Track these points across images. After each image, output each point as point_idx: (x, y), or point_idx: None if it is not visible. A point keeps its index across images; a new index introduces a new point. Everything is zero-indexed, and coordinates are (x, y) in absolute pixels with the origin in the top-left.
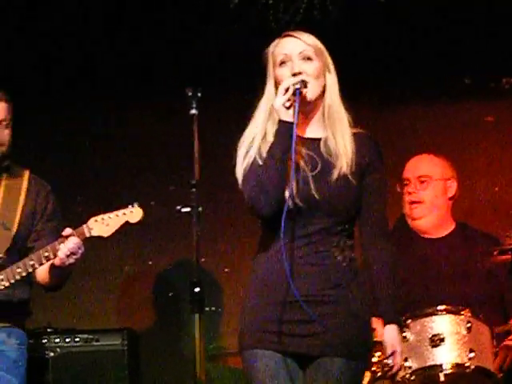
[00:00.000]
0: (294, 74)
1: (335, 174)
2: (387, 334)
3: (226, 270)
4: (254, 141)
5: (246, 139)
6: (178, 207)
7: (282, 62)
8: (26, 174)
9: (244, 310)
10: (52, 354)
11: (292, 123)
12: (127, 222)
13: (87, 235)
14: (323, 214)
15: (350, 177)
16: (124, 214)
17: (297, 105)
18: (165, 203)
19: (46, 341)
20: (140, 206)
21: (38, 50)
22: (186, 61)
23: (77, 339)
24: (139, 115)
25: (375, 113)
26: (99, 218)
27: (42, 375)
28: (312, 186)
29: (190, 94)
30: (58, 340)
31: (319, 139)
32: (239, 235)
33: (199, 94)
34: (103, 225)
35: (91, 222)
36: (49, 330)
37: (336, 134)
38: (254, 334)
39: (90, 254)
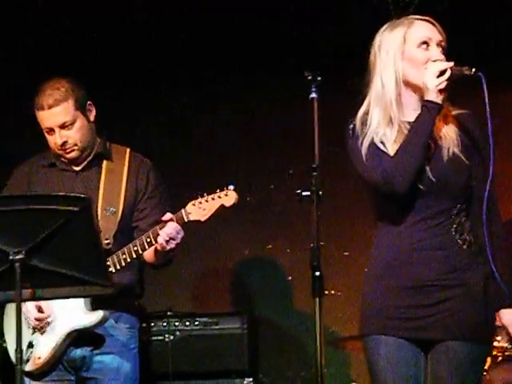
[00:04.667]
0: (435, 60)
1: (446, 155)
2: (509, 317)
3: (346, 253)
4: (374, 120)
5: (362, 118)
6: (298, 191)
7: (424, 43)
8: (127, 153)
9: (365, 295)
10: (172, 338)
11: (440, 105)
12: (222, 206)
13: (185, 220)
14: (440, 196)
15: (461, 156)
16: (219, 197)
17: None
18: (284, 187)
19: (166, 324)
20: (234, 189)
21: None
22: (306, 44)
23: (196, 323)
24: (259, 99)
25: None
26: (196, 202)
27: (162, 358)
28: (427, 168)
29: (309, 77)
30: (177, 323)
31: None
32: (359, 218)
33: (319, 78)
34: (200, 209)
35: (189, 206)
36: (169, 313)
37: (449, 115)
38: (376, 320)
39: (209, 238)
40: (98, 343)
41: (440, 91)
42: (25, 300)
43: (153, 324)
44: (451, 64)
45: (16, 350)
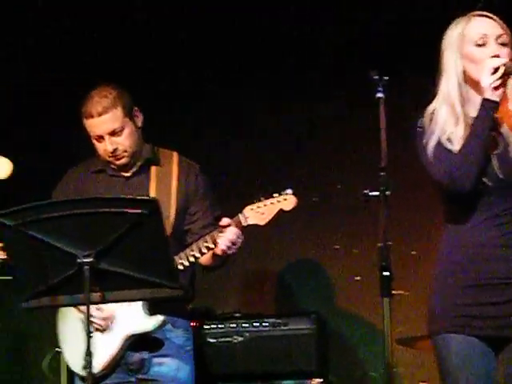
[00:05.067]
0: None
1: None
2: None
3: (413, 252)
4: (441, 118)
5: (429, 117)
6: (366, 191)
7: (481, 40)
8: (175, 157)
9: (433, 293)
10: (240, 339)
11: (497, 102)
12: (281, 210)
13: (244, 224)
14: (509, 193)
15: None
16: (278, 201)
17: None
18: (351, 187)
19: (234, 325)
20: (293, 193)
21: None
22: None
23: (265, 324)
24: (326, 99)
25: None
26: (254, 206)
27: (231, 359)
28: (495, 164)
29: (375, 77)
30: (246, 325)
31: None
32: (426, 217)
33: (385, 78)
34: (258, 213)
35: (247, 210)
36: (237, 314)
37: (508, 113)
38: (446, 318)
39: (276, 239)
40: (156, 346)
41: (495, 88)
42: (94, 303)
43: (221, 326)
44: (504, 61)
45: (86, 354)
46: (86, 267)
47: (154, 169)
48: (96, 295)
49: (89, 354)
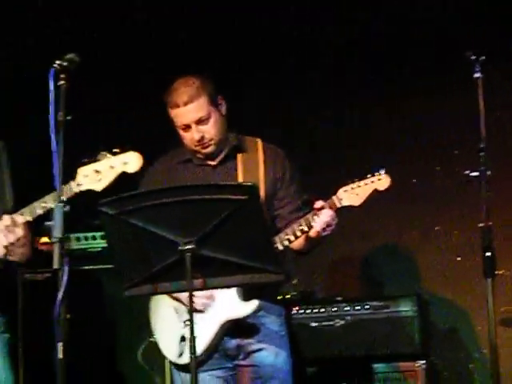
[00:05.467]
0: None
1: None
2: None
3: None
4: None
5: None
6: (467, 171)
7: None
8: (259, 144)
9: None
10: (342, 323)
11: None
12: (376, 190)
13: (338, 206)
14: None
15: None
16: (372, 182)
17: None
18: (449, 168)
19: (336, 309)
20: (386, 172)
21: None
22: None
23: (367, 307)
24: (422, 80)
25: None
26: (348, 187)
27: (333, 343)
28: None
29: (473, 57)
30: (347, 308)
31: None
32: None
33: (483, 58)
34: (353, 194)
35: (340, 192)
36: (338, 298)
37: None
38: None
39: (376, 220)
40: (252, 332)
41: None
42: (196, 290)
43: (323, 310)
44: None
45: (190, 340)
46: (188, 254)
47: (240, 156)
48: (198, 282)
49: (192, 339)
